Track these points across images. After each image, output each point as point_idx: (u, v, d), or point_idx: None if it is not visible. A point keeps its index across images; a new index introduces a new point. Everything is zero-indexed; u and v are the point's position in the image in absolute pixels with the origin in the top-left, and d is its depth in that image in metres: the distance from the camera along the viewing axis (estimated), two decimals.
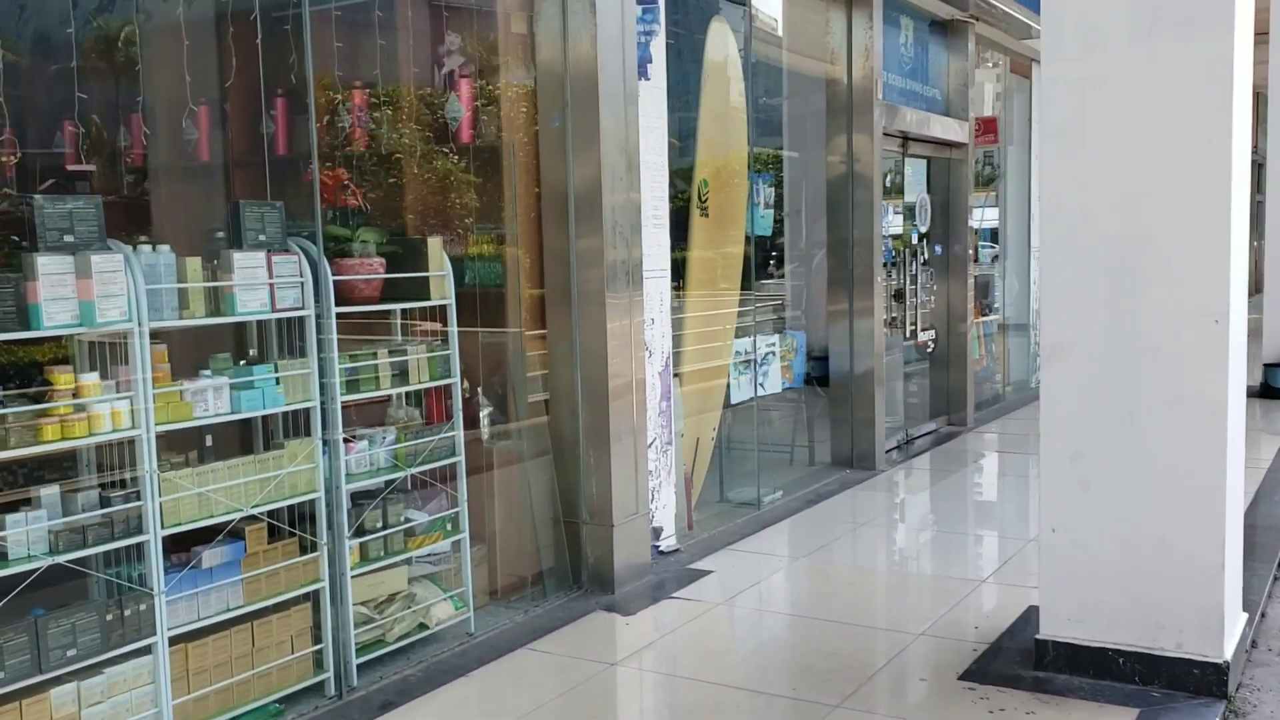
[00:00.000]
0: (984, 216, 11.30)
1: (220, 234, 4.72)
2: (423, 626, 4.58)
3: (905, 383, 9.47)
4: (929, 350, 9.74)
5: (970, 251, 10.06)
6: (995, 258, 11.68)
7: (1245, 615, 4.43)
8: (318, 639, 4.12)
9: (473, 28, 5.47)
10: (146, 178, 4.83)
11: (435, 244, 4.67)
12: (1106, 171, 4.05)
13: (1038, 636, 4.29)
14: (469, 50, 5.44)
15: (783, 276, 8.57)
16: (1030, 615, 4.80)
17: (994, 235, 11.65)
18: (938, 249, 9.79)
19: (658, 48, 5.79)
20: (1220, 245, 3.89)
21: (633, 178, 5.41)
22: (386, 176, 5.12)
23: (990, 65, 11.26)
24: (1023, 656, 4.39)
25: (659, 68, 5.80)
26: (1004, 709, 3.96)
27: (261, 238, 3.94)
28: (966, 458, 8.80)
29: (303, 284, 4.05)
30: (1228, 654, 4.00)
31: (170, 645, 3.56)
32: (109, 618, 3.38)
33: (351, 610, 4.20)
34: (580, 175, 5.27)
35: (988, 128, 10.68)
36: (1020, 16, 10.12)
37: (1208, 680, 3.98)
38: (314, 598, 4.11)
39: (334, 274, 4.18)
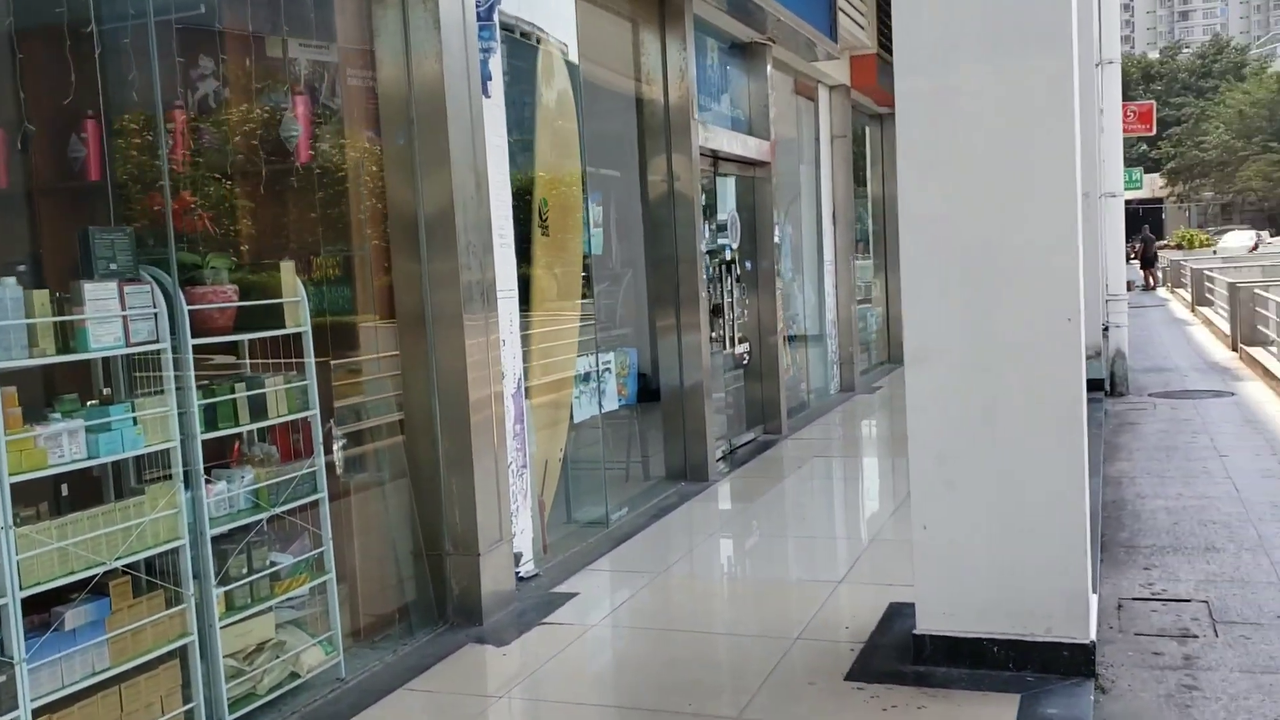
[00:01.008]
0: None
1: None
2: (294, 675, 4.30)
3: (725, 394, 9.66)
4: (744, 362, 9.98)
5: (777, 267, 10.39)
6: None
7: (1095, 596, 4.73)
8: (188, 698, 3.80)
9: (310, 44, 5.21)
10: None
11: (288, 269, 4.43)
12: (962, 181, 4.26)
13: (915, 631, 4.43)
14: (304, 67, 5.18)
15: (591, 296, 8.58)
16: (895, 611, 4.98)
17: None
18: (749, 265, 10.06)
19: (496, 66, 5.70)
20: (1070, 247, 4.16)
21: (482, 197, 5.29)
22: (224, 200, 4.81)
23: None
24: (899, 652, 4.53)
25: (498, 86, 5.71)
26: (895, 705, 4.07)
27: (113, 266, 3.62)
28: (790, 464, 9.05)
29: (156, 315, 3.75)
30: (1092, 634, 4.26)
31: (33, 718, 3.20)
32: None
33: (222, 663, 3.90)
34: (431, 196, 5.11)
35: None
36: (811, 38, 10.54)
37: (1076, 661, 4.21)
38: (181, 653, 3.79)
39: (186, 303, 3.89)
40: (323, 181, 5.07)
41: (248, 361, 4.48)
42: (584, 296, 6.89)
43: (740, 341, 9.74)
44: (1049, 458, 4.23)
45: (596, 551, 6.38)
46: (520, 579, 5.71)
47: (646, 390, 8.21)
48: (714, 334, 9.02)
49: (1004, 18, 4.14)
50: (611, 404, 7.38)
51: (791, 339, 11.65)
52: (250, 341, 4.40)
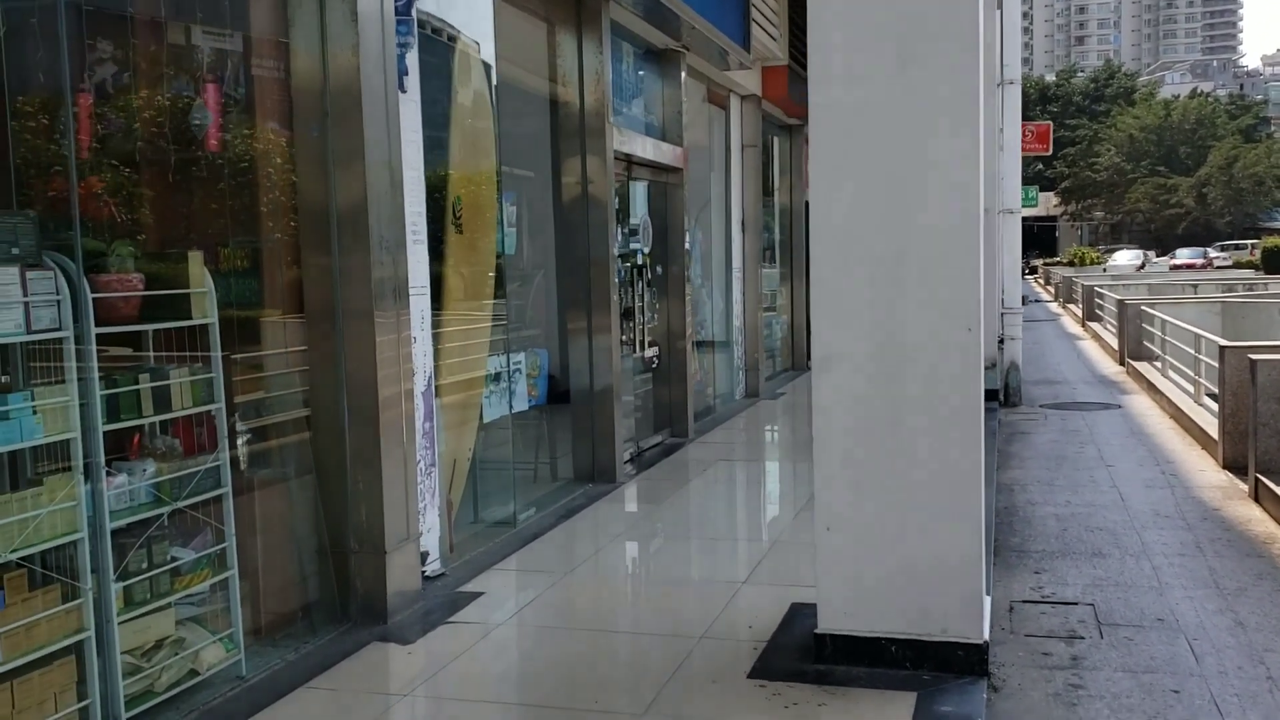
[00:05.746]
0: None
1: None
2: (193, 673, 4.23)
3: (633, 397, 9.73)
4: (653, 366, 10.06)
5: (687, 272, 10.50)
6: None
7: (989, 598, 4.89)
8: (83, 695, 3.71)
9: (224, 32, 5.12)
10: None
11: (196, 259, 4.37)
12: (871, 194, 4.37)
13: (816, 631, 4.54)
14: (217, 55, 5.09)
15: (504, 296, 8.58)
16: (796, 611, 5.08)
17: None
18: (659, 269, 10.14)
19: (413, 61, 5.68)
20: (971, 260, 4.30)
21: (396, 192, 5.26)
22: (131, 187, 4.70)
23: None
24: (801, 651, 4.62)
25: (414, 81, 5.69)
26: (797, 703, 4.16)
27: (15, 251, 3.52)
28: (696, 467, 9.14)
29: (59, 302, 3.66)
30: (986, 635, 4.40)
31: None
32: None
33: (119, 660, 3.82)
34: (344, 189, 5.06)
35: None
36: (725, 47, 10.67)
37: (970, 660, 4.35)
38: (78, 649, 3.70)
39: (91, 291, 3.80)
40: (232, 171, 4.99)
41: (151, 353, 4.39)
42: (496, 296, 6.88)
43: (650, 345, 9.82)
44: (949, 463, 4.36)
45: (503, 551, 6.38)
46: (426, 578, 5.68)
47: (556, 391, 8.22)
48: (624, 337, 9.09)
49: (914, 34, 4.26)
50: (522, 404, 7.38)
51: (700, 344, 11.77)
52: (155, 332, 4.32)
